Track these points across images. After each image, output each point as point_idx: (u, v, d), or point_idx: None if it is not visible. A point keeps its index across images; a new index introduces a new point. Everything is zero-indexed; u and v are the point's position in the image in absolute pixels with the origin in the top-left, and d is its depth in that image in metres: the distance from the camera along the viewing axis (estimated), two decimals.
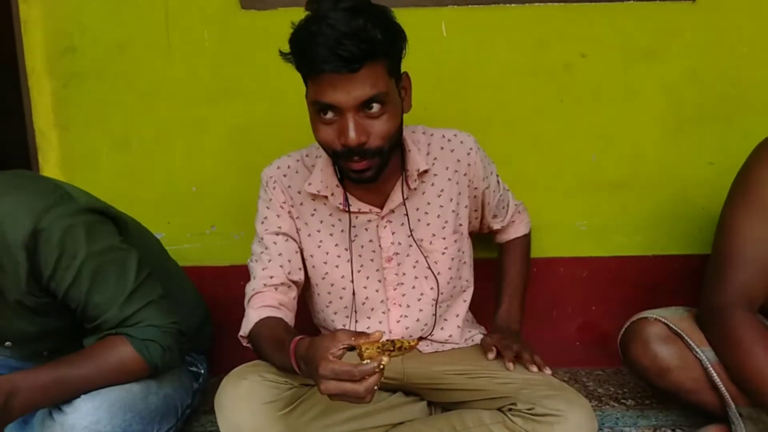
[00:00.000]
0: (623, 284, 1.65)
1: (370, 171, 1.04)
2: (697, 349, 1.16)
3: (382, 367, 0.79)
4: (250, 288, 1.15)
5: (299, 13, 1.50)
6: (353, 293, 1.21)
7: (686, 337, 1.17)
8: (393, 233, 1.19)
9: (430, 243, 1.21)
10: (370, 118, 1.00)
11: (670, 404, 1.43)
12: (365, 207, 1.17)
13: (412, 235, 1.19)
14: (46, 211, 0.98)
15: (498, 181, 1.30)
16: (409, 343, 0.85)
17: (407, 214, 1.19)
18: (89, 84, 1.58)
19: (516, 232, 1.41)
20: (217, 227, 1.64)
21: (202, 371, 1.37)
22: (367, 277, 1.21)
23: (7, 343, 1.13)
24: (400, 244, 1.20)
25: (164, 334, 1.09)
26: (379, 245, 1.19)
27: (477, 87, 1.55)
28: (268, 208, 1.19)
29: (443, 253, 1.22)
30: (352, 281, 1.20)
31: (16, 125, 1.61)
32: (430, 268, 1.21)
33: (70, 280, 1.02)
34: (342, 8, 0.94)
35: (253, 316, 1.09)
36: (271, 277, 1.14)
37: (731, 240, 1.15)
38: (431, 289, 1.22)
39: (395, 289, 1.21)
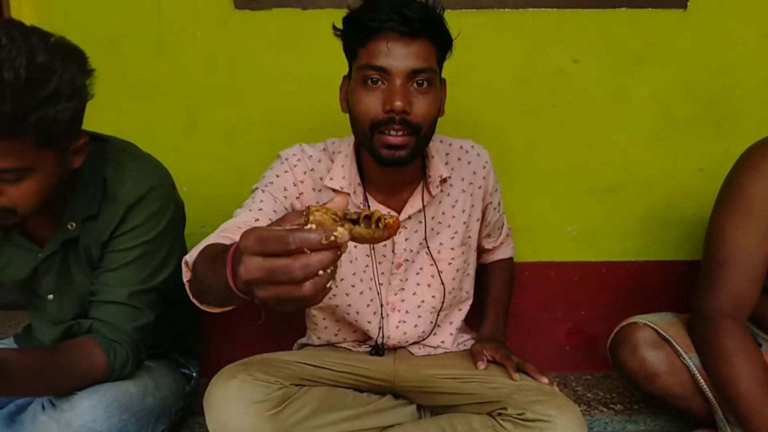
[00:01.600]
0: (613, 289, 1.66)
1: (405, 150, 1.02)
2: (685, 355, 1.17)
3: (333, 240, 0.51)
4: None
5: (293, 14, 1.52)
6: (360, 293, 1.19)
7: (674, 343, 1.19)
8: (406, 239, 1.18)
9: (439, 252, 1.21)
10: (417, 92, 1.01)
11: (658, 409, 1.43)
12: (384, 209, 1.16)
13: (425, 242, 1.19)
14: (156, 187, 1.09)
15: (499, 201, 1.31)
16: (384, 219, 0.58)
17: (424, 221, 1.18)
18: (94, 77, 1.57)
19: (502, 254, 1.43)
20: (207, 228, 1.63)
21: (194, 374, 1.37)
22: (371, 279, 1.20)
23: (50, 296, 1.14)
24: (412, 251, 1.19)
25: (133, 344, 1.09)
26: (392, 251, 1.18)
27: (470, 91, 1.56)
28: (277, 176, 1.12)
29: (450, 264, 1.22)
30: (361, 280, 1.18)
31: None
32: (436, 276, 1.21)
33: (124, 247, 1.08)
34: None
35: (204, 241, 0.87)
36: (256, 220, 1.01)
37: (719, 246, 1.16)
38: (433, 297, 1.22)
39: (396, 294, 1.21)
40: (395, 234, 0.58)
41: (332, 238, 0.51)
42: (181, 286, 1.34)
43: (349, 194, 1.13)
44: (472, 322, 1.37)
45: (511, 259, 1.45)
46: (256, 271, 0.51)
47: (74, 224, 1.07)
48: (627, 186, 1.62)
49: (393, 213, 1.15)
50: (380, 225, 0.57)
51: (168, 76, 1.56)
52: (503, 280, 1.41)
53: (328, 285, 0.52)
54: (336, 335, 1.26)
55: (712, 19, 1.53)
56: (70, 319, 1.13)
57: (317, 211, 0.54)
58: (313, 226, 0.53)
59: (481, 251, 1.38)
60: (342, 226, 0.54)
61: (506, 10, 1.53)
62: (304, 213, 0.55)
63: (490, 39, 1.54)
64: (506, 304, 1.40)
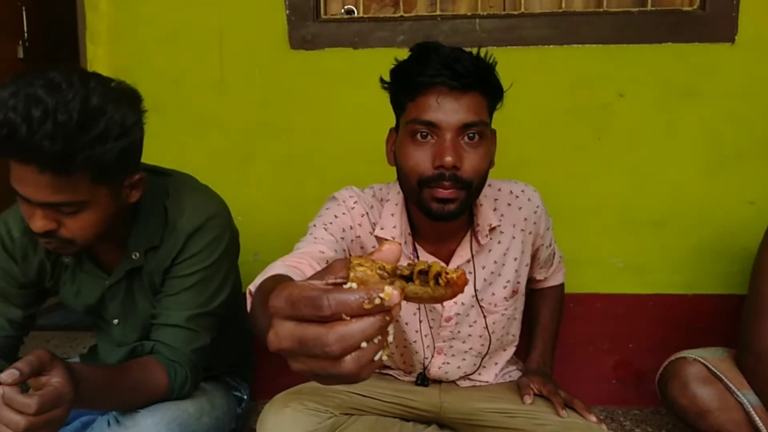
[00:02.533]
0: (661, 322, 1.64)
1: (455, 204, 0.99)
2: (738, 393, 1.15)
3: (379, 302, 0.40)
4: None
5: (345, 54, 1.60)
6: (404, 338, 1.18)
7: (726, 380, 1.17)
8: None
9: (490, 303, 1.18)
10: (467, 146, 0.99)
11: None
12: (432, 260, 1.14)
13: (476, 295, 1.15)
14: (213, 216, 1.15)
15: (551, 238, 1.28)
16: (447, 274, 0.45)
17: (473, 272, 1.15)
18: (146, 117, 1.68)
19: (554, 281, 1.39)
20: (260, 255, 1.70)
21: (245, 396, 1.41)
22: (416, 331, 1.18)
23: (115, 321, 1.20)
24: (463, 304, 1.15)
25: (192, 365, 1.14)
26: (442, 305, 1.13)
27: (516, 126, 1.58)
28: (336, 216, 1.09)
29: (502, 315, 1.20)
30: (407, 324, 1.17)
31: None
32: (486, 327, 1.19)
33: (184, 273, 1.13)
34: (452, 47, 0.99)
35: (269, 269, 0.85)
36: (321, 252, 0.97)
37: (767, 282, 1.14)
38: (481, 345, 1.20)
39: (445, 342, 1.20)
40: (462, 291, 0.46)
41: (377, 300, 0.40)
42: (236, 311, 1.41)
43: (400, 244, 1.10)
44: (519, 351, 1.36)
45: (561, 285, 1.42)
46: (287, 339, 0.41)
47: (138, 254, 1.13)
48: (675, 219, 1.61)
49: (442, 265, 1.11)
50: (440, 281, 0.45)
51: (227, 112, 1.66)
52: (553, 307, 1.39)
53: (376, 357, 0.41)
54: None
55: (761, 52, 1.53)
56: (134, 341, 1.19)
57: (360, 265, 0.43)
58: (354, 285, 0.42)
59: (531, 280, 1.35)
60: (391, 283, 0.43)
61: (551, 46, 1.57)
62: (345, 270, 0.44)
63: (535, 75, 1.58)
64: (554, 333, 1.38)
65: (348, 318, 0.40)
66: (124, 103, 0.97)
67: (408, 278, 0.45)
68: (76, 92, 0.89)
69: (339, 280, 0.44)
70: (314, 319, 0.40)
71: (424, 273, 0.45)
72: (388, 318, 0.41)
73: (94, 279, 1.17)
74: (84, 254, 1.15)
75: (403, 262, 0.47)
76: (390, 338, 0.42)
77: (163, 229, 1.13)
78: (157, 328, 1.14)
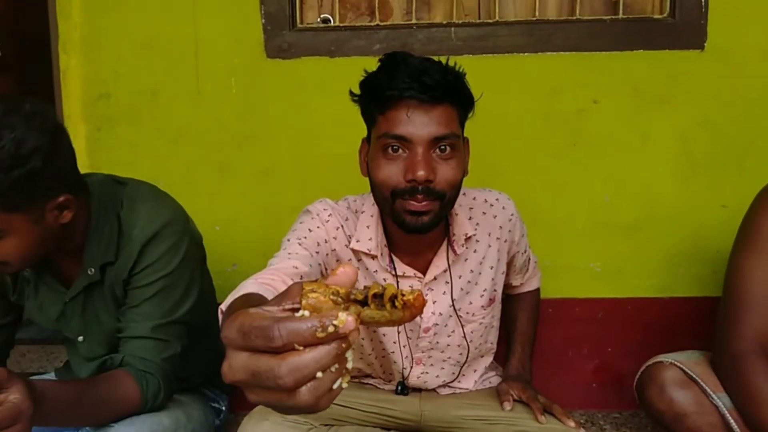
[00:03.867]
0: (638, 326, 1.66)
1: (428, 216, 0.98)
2: (714, 395, 1.17)
3: (333, 330, 0.38)
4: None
5: (322, 62, 1.60)
6: (382, 348, 1.18)
7: (702, 383, 1.18)
8: (434, 302, 1.14)
9: (467, 313, 1.18)
10: (439, 159, 0.98)
11: None
12: (410, 271, 1.12)
13: (453, 305, 1.15)
14: (169, 223, 1.13)
15: (526, 244, 1.29)
16: (402, 296, 0.44)
17: (450, 282, 1.15)
18: (121, 128, 1.66)
19: (530, 286, 1.41)
20: (238, 266, 1.69)
21: (223, 408, 1.40)
22: (394, 342, 1.17)
23: (80, 338, 1.18)
24: (440, 314, 1.15)
25: (164, 374, 1.12)
26: (420, 316, 1.11)
27: (491, 132, 1.59)
28: (310, 230, 1.07)
29: (480, 323, 1.20)
30: (384, 335, 1.16)
31: None
32: (464, 337, 1.19)
33: (144, 283, 1.12)
34: (421, 57, 0.98)
35: (240, 288, 0.82)
36: (295, 267, 0.94)
37: (741, 285, 1.16)
38: (460, 354, 1.21)
39: (423, 352, 1.19)
40: (420, 312, 0.44)
41: (331, 328, 0.38)
42: (210, 320, 1.39)
43: (376, 256, 1.10)
44: (497, 357, 1.37)
45: (537, 290, 1.43)
46: (240, 371, 0.40)
47: (93, 270, 1.11)
48: (651, 223, 1.63)
49: (419, 276, 1.10)
50: (397, 304, 0.43)
51: (203, 122, 1.65)
52: (530, 312, 1.40)
53: (335, 386, 0.40)
54: (359, 370, 1.27)
55: (730, 59, 1.56)
56: (101, 356, 1.17)
57: (312, 291, 0.41)
58: (306, 313, 0.40)
59: (507, 286, 1.36)
60: (346, 309, 0.41)
61: (525, 54, 1.59)
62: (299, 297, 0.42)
63: (510, 82, 1.59)
64: (532, 338, 1.39)
65: (301, 348, 0.38)
66: (26, 127, 0.93)
67: (363, 302, 0.43)
68: None
69: (296, 305, 0.42)
70: (266, 350, 0.39)
71: (379, 296, 0.44)
72: (344, 345, 0.39)
73: (54, 293, 1.16)
74: (44, 267, 1.14)
75: (381, 275, 0.45)
76: (349, 365, 0.41)
77: (118, 241, 1.11)
78: (124, 341, 1.13)
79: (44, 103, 1.00)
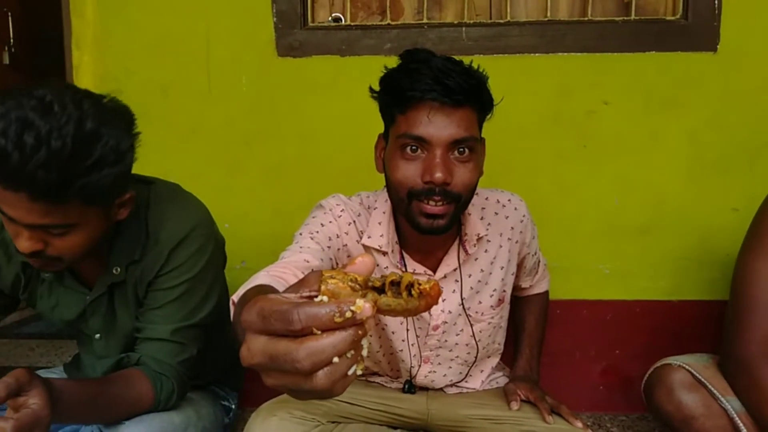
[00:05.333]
0: (647, 328, 1.65)
1: (444, 219, 0.98)
2: (722, 399, 1.16)
3: (350, 316, 0.39)
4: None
5: (332, 61, 1.61)
6: (390, 346, 1.19)
7: (710, 386, 1.17)
8: (443, 300, 1.14)
9: (477, 312, 1.18)
10: (457, 161, 0.98)
11: None
12: (420, 268, 1.12)
13: (462, 304, 1.16)
14: (196, 227, 1.13)
15: (537, 246, 1.29)
16: (419, 285, 0.45)
17: (460, 281, 1.15)
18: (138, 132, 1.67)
19: (539, 288, 1.41)
20: (247, 263, 1.69)
21: (233, 406, 1.40)
22: (402, 340, 1.18)
23: (97, 336, 1.18)
24: (450, 312, 1.15)
25: (178, 376, 1.13)
26: (429, 313, 1.13)
27: (502, 133, 1.57)
28: (322, 225, 1.08)
29: (489, 323, 1.20)
30: (393, 333, 1.17)
31: None
32: (473, 336, 1.19)
33: (167, 286, 1.11)
34: (443, 57, 0.98)
35: (253, 279, 0.83)
36: (306, 261, 0.94)
37: (749, 288, 1.15)
38: (468, 354, 1.21)
39: (432, 351, 1.20)
40: (436, 302, 0.45)
41: (348, 313, 0.39)
42: (223, 320, 1.39)
43: (387, 253, 1.10)
44: (505, 358, 1.37)
45: (546, 292, 1.44)
46: (258, 354, 0.41)
47: (119, 269, 1.11)
48: (661, 226, 1.62)
49: (429, 273, 1.10)
50: (413, 293, 0.44)
51: (214, 121, 1.66)
52: (538, 314, 1.40)
53: (350, 372, 0.41)
54: (366, 368, 1.28)
55: (743, 61, 1.55)
56: (117, 354, 1.17)
57: (332, 278, 0.42)
58: (325, 298, 0.41)
59: (517, 288, 1.36)
60: (364, 296, 0.42)
61: (536, 54, 1.58)
62: (317, 284, 0.43)
63: (521, 82, 1.59)
64: (540, 339, 1.40)
65: (319, 332, 0.39)
66: (118, 124, 0.95)
67: (381, 290, 0.44)
68: (69, 115, 0.86)
69: (313, 293, 0.43)
70: (285, 333, 0.40)
71: (396, 284, 0.44)
72: (360, 332, 0.40)
73: (74, 294, 1.15)
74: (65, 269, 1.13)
75: (391, 272, 0.46)
76: (364, 352, 0.42)
77: (144, 242, 1.11)
78: (141, 342, 1.13)
79: (120, 101, 1.01)
